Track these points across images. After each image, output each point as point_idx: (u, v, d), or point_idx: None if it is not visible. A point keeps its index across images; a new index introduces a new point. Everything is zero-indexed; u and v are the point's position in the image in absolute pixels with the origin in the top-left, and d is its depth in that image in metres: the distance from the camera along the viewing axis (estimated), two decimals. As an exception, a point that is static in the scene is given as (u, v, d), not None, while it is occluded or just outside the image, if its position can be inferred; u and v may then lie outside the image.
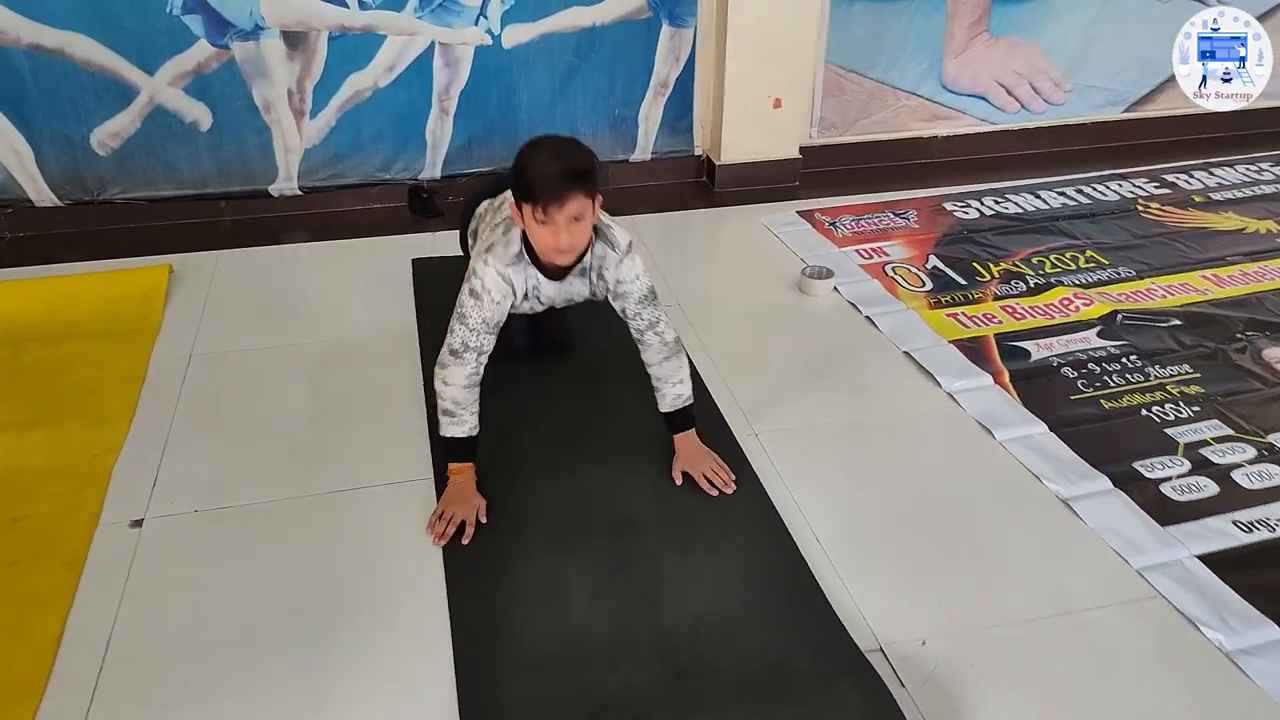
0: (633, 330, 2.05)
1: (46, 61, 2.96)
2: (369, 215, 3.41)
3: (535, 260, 1.93)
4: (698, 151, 3.69)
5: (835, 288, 2.92)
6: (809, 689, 1.61)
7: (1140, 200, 3.57)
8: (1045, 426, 2.30)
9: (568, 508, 2.01)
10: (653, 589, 1.82)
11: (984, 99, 3.88)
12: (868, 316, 2.78)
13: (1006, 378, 2.50)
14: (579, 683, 1.63)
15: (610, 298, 2.03)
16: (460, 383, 1.93)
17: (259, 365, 2.53)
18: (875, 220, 3.39)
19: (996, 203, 3.54)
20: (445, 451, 2.01)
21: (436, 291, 2.82)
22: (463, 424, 1.96)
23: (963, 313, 2.81)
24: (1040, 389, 2.45)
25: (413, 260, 3.04)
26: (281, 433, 2.26)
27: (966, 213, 3.46)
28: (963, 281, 2.98)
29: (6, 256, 3.09)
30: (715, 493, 2.03)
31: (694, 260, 3.21)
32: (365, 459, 2.17)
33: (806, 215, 3.42)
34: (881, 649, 1.71)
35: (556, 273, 1.96)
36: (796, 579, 1.85)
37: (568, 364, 2.50)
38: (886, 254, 3.16)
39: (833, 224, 3.36)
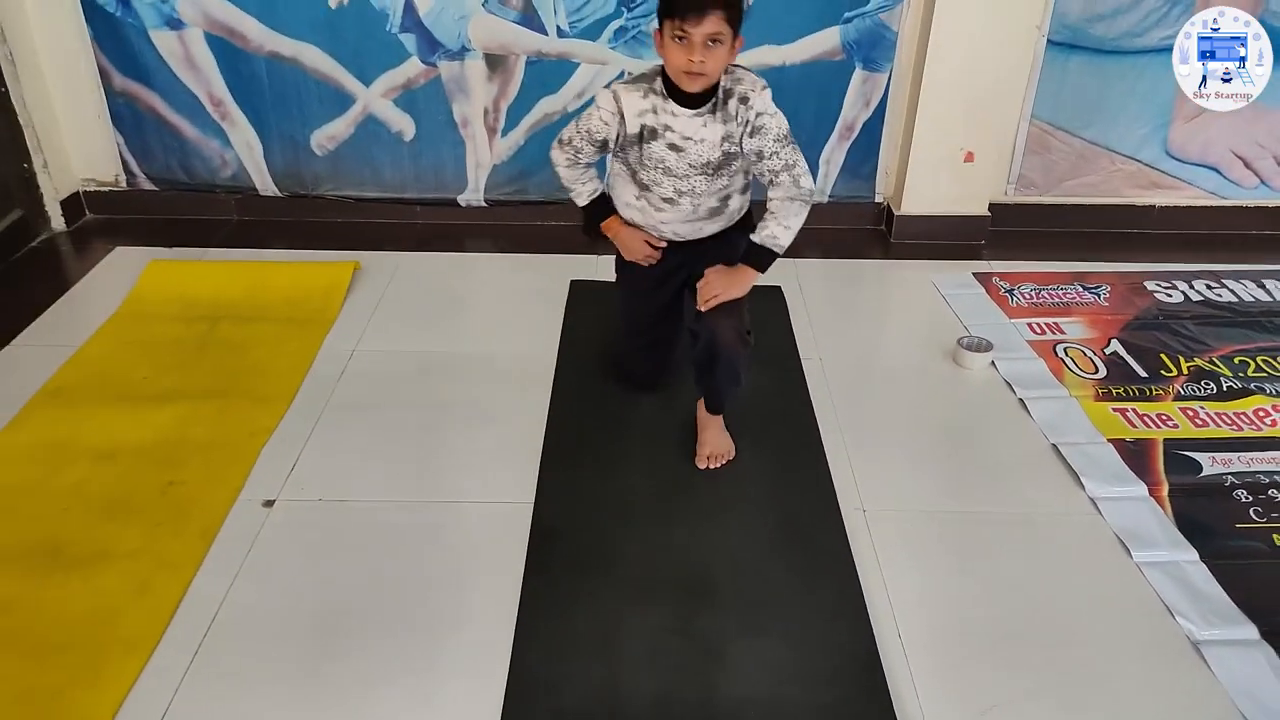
0: (766, 173, 2.02)
1: (281, 68, 3.30)
2: (547, 231, 3.55)
3: (670, 88, 1.97)
4: (878, 199, 3.57)
5: (993, 362, 2.74)
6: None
7: (1391, 303, 3.10)
8: (1196, 554, 2.05)
9: (648, 560, 2.02)
10: (711, 661, 1.79)
11: (1216, 170, 3.49)
12: (1021, 399, 2.59)
13: (1165, 490, 2.25)
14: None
15: (747, 137, 1.99)
16: (562, 164, 2.18)
17: (408, 368, 2.71)
18: (1059, 292, 3.14)
19: (1209, 287, 3.18)
20: (587, 219, 2.26)
21: (588, 318, 2.92)
22: (582, 193, 2.21)
23: (1134, 409, 2.55)
24: (1203, 510, 2.19)
25: (571, 281, 3.15)
26: (409, 437, 2.41)
27: (1170, 295, 3.14)
28: (1144, 374, 2.71)
29: (232, 237, 3.48)
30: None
31: (850, 313, 3.11)
32: (476, 475, 2.28)
33: (983, 278, 3.22)
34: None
35: (692, 102, 1.96)
36: (866, 682, 1.75)
37: (681, 410, 2.48)
38: (1062, 331, 2.92)
39: (1010, 291, 3.15)
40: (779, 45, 3.26)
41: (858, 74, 3.33)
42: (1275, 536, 2.12)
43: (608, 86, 2.03)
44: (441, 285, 3.19)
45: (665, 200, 2.12)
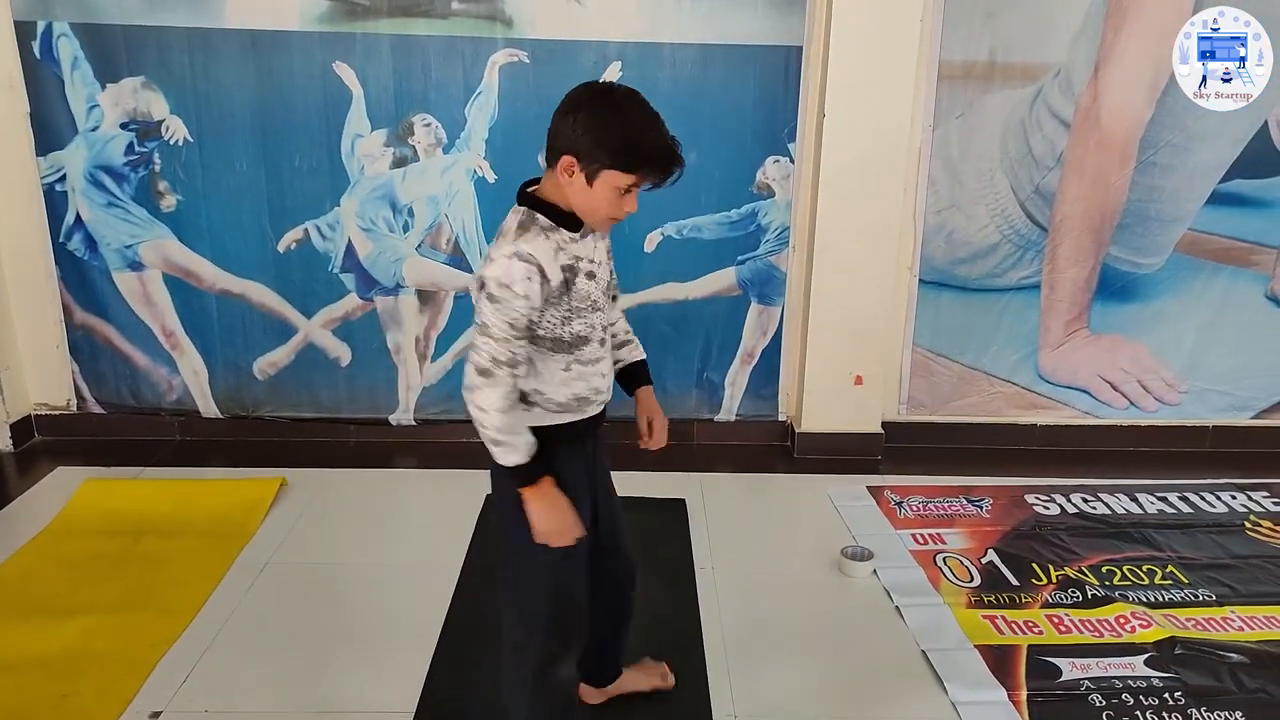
0: (610, 284, 1.94)
1: (230, 303, 3.63)
2: (472, 448, 3.74)
3: (561, 220, 1.73)
4: (782, 417, 3.85)
5: (874, 570, 2.90)
6: None
7: (1251, 516, 3.32)
8: (1048, 759, 2.15)
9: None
10: None
11: (1086, 392, 3.82)
12: (897, 606, 2.73)
13: (1023, 695, 2.36)
14: None
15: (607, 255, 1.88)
16: (498, 406, 1.72)
17: (318, 580, 2.84)
18: (945, 504, 3.36)
19: (1085, 500, 3.41)
20: (513, 478, 1.75)
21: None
22: (517, 449, 1.72)
23: (1003, 616, 2.70)
24: (1058, 715, 2.29)
25: (487, 496, 3.33)
26: (305, 648, 2.50)
27: (1048, 507, 3.35)
28: (1015, 582, 2.88)
29: (173, 456, 3.68)
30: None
31: (749, 525, 3.29)
32: (363, 686, 2.36)
33: (875, 491, 3.44)
34: None
35: (573, 225, 1.75)
36: None
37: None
38: (944, 541, 3.11)
39: (899, 503, 3.36)
40: (683, 283, 3.65)
41: (754, 307, 3.70)
42: (1124, 739, 2.22)
43: (487, 267, 1.71)
44: (364, 500, 3.36)
45: (599, 345, 1.85)
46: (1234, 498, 3.46)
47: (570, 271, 1.74)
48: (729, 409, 3.82)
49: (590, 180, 1.67)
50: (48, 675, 2.34)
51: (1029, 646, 2.56)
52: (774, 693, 2.35)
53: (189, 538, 3.01)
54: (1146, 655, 2.52)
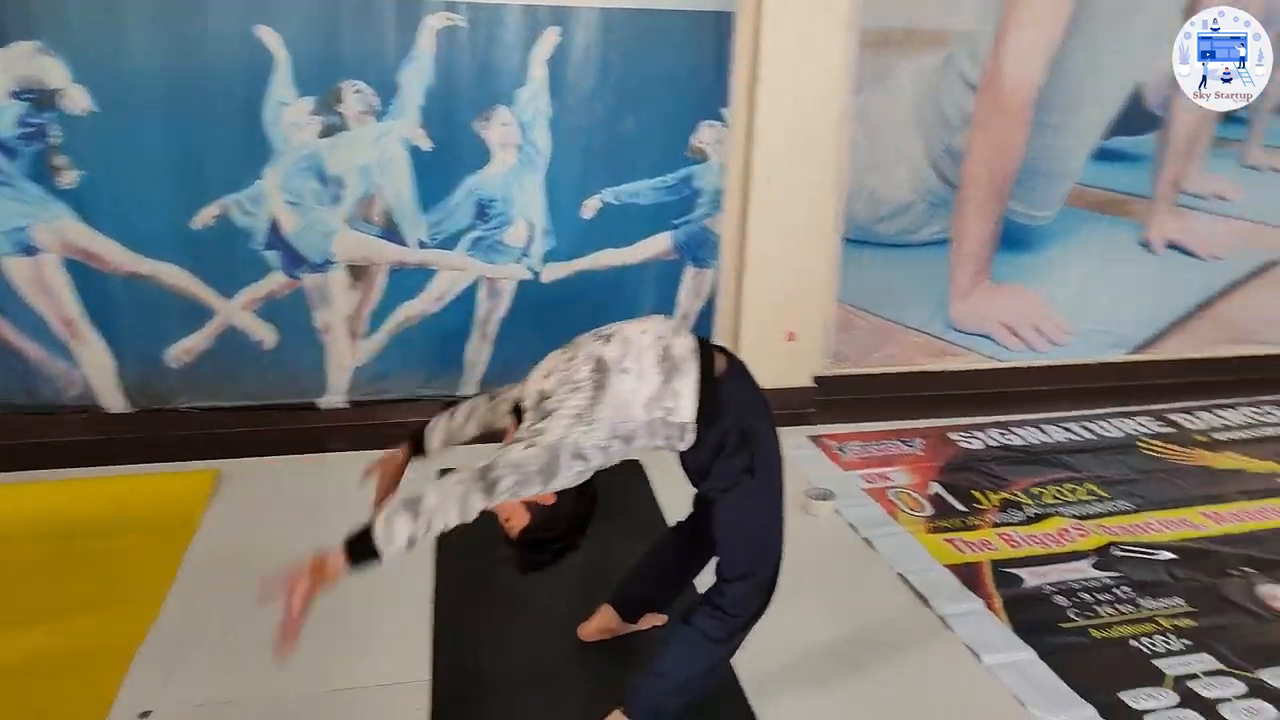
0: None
1: (139, 287, 3.38)
2: (408, 427, 3.66)
3: None
4: (717, 378, 3.96)
5: (836, 509, 3.05)
6: None
7: (1143, 438, 3.69)
8: (1034, 653, 2.34)
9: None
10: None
11: (989, 338, 4.12)
12: (866, 538, 2.89)
13: (999, 603, 2.56)
14: None
15: None
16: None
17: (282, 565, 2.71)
18: (882, 447, 3.55)
19: (1001, 434, 3.69)
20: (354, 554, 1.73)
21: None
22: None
23: (960, 538, 2.90)
24: (1030, 615, 2.50)
25: (438, 472, 3.26)
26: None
27: (971, 443, 3.61)
28: (962, 508, 3.09)
29: (82, 456, 3.39)
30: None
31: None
32: (367, 660, 2.30)
33: (817, 439, 3.60)
34: None
35: None
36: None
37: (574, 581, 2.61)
38: (890, 479, 3.29)
39: (841, 449, 3.53)
40: (619, 249, 3.68)
41: (689, 270, 3.78)
42: (1092, 631, 2.45)
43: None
44: (309, 487, 3.21)
45: None
46: (1125, 423, 3.83)
47: None
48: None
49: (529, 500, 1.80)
50: (18, 684, 2.16)
51: (990, 562, 2.77)
52: (778, 626, 2.44)
53: (128, 536, 2.81)
54: (1091, 559, 2.78)
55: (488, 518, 1.77)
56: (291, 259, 3.48)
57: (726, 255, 3.79)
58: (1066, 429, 3.76)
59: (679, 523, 2.30)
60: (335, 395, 3.66)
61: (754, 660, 2.28)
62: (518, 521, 1.82)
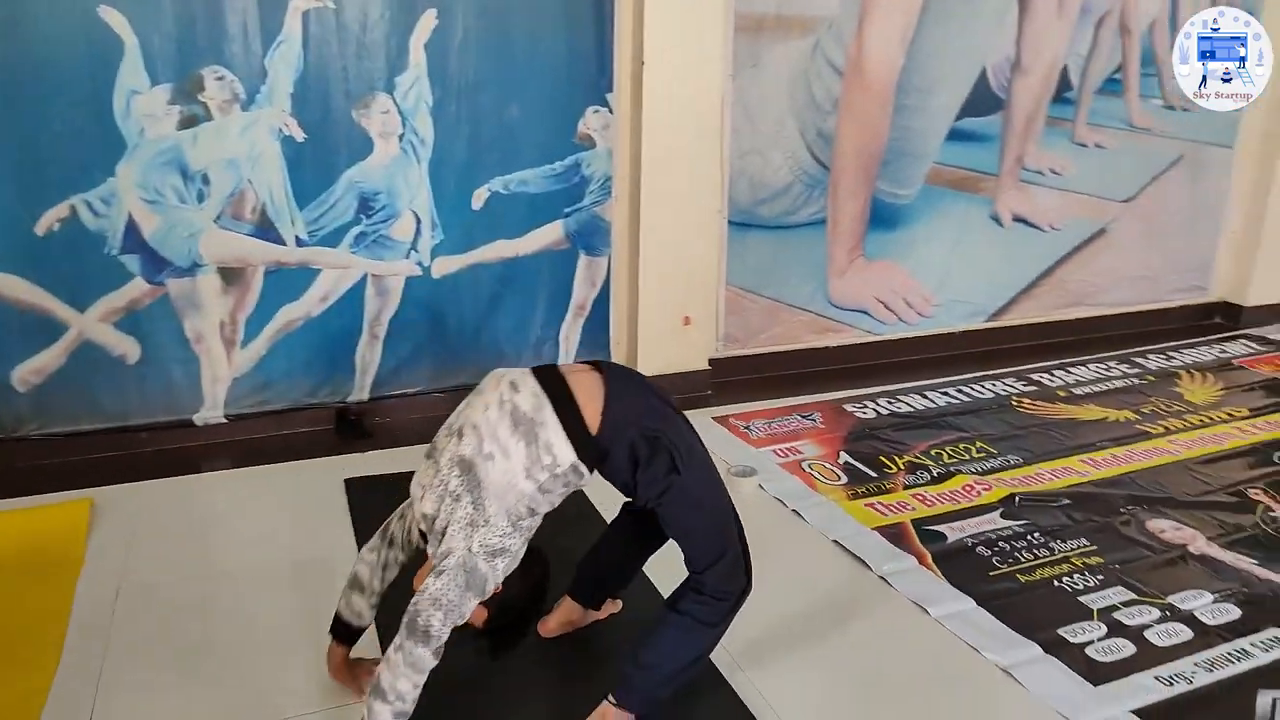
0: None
1: (-26, 301, 2.99)
2: (295, 440, 3.43)
3: None
4: (614, 367, 3.93)
5: (760, 485, 3.09)
6: None
7: (1013, 397, 3.96)
8: (973, 602, 2.46)
9: None
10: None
11: (866, 313, 4.30)
12: (794, 510, 2.94)
13: (930, 559, 2.67)
14: None
15: None
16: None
17: (190, 595, 2.46)
18: (785, 423, 3.64)
19: (889, 403, 3.86)
20: None
21: (375, 511, 2.84)
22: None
23: (879, 502, 3.01)
24: (961, 567, 2.63)
25: (345, 481, 3.07)
26: (218, 664, 2.19)
27: (865, 413, 3.75)
28: (874, 474, 3.21)
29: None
30: None
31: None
32: (306, 685, 2.12)
33: (722, 420, 3.64)
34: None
35: None
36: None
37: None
38: (801, 452, 3.37)
39: (747, 428, 3.58)
40: (512, 239, 3.58)
41: (582, 259, 3.72)
42: (1019, 576, 2.60)
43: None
44: (198, 508, 2.94)
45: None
46: (994, 385, 4.10)
47: None
48: (566, 361, 3.81)
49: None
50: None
51: (911, 521, 2.89)
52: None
53: (3, 576, 2.47)
54: (999, 511, 2.96)
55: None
56: (153, 263, 3.16)
57: (619, 242, 3.76)
58: (945, 394, 3.98)
59: (626, 504, 2.26)
60: (212, 410, 3.36)
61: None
62: (478, 617, 1.83)
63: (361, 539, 2.67)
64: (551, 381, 1.82)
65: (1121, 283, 4.81)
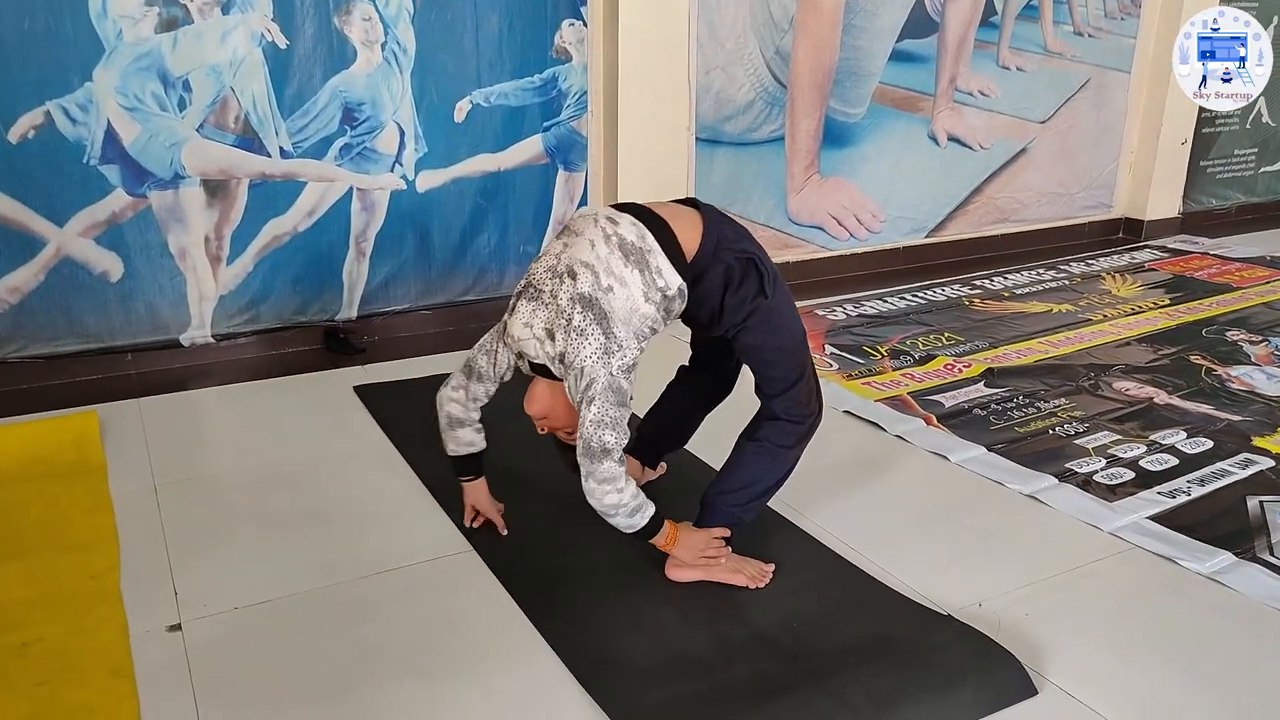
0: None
1: (-57, 214, 2.81)
2: (285, 359, 3.36)
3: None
4: (592, 283, 3.99)
5: (761, 373, 3.23)
6: (920, 649, 1.76)
7: (965, 298, 4.24)
8: (984, 449, 2.68)
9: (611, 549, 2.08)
10: (730, 605, 1.93)
11: (821, 229, 4.51)
12: (800, 390, 3.10)
13: (935, 420, 2.88)
14: (714, 680, 1.69)
15: None
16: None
17: (237, 485, 2.44)
18: (765, 326, 3.79)
19: (855, 307, 4.07)
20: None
21: (397, 412, 2.85)
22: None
23: (874, 381, 3.20)
24: (964, 425, 2.85)
25: (355, 388, 3.05)
26: (296, 532, 2.19)
27: (835, 316, 3.95)
28: (861, 361, 3.40)
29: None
30: None
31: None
32: (382, 542, 2.16)
33: (705, 327, 3.77)
34: (949, 615, 1.91)
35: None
36: (850, 576, 2.04)
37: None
38: (788, 348, 3.54)
39: (731, 331, 3.72)
40: (494, 153, 3.59)
41: (560, 174, 3.77)
42: (1016, 428, 2.83)
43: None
44: (208, 418, 2.89)
45: None
46: (945, 289, 4.36)
47: None
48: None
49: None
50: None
51: (909, 393, 3.10)
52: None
53: (19, 485, 2.37)
54: (982, 382, 3.20)
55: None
56: (134, 174, 3.04)
57: (594, 158, 3.83)
58: (904, 299, 4.21)
59: (682, 367, 2.36)
60: (199, 330, 3.26)
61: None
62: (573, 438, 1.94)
63: (391, 435, 2.70)
64: (643, 213, 1.91)
65: (1041, 199, 5.18)
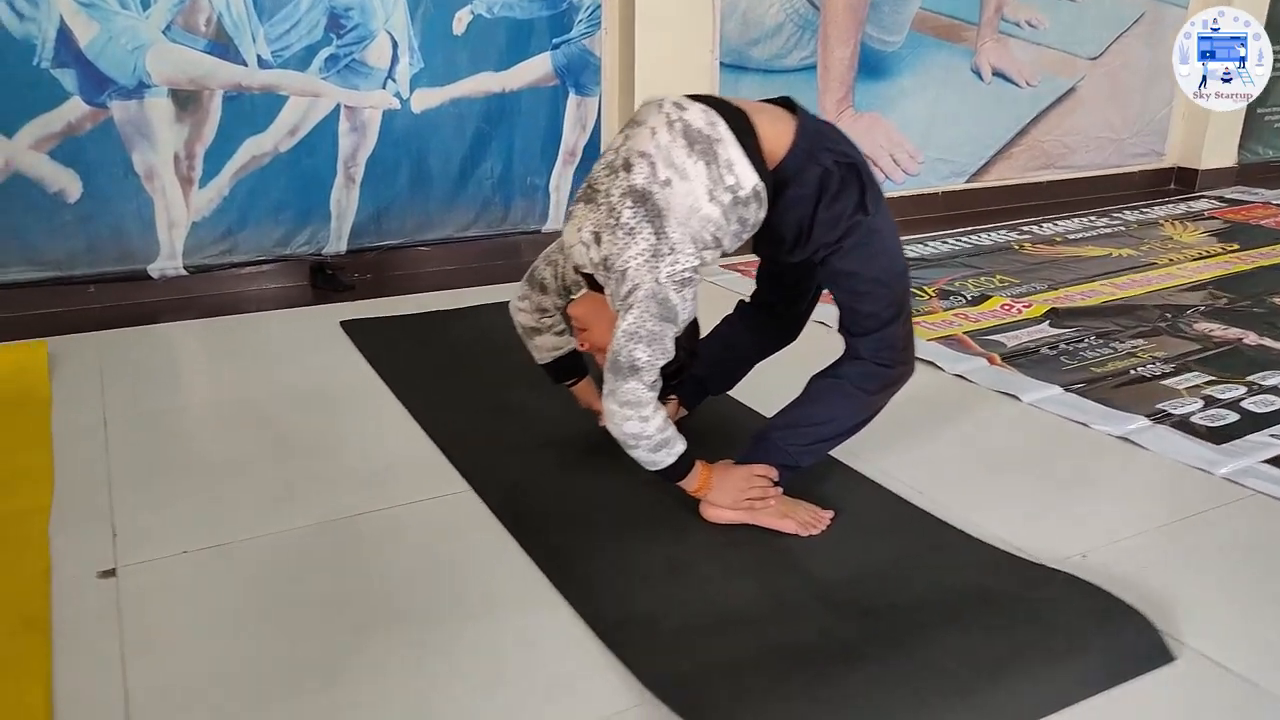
0: None
1: (-126, 119, 2.48)
2: (266, 295, 3.03)
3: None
4: (606, 221, 3.65)
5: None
6: (1026, 607, 1.43)
7: (1015, 243, 3.88)
8: (1060, 389, 2.33)
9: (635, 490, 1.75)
10: (782, 555, 1.59)
11: (854, 169, 4.14)
12: (843, 330, 2.76)
13: (997, 359, 2.53)
14: (765, 642, 1.36)
15: None
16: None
17: (197, 420, 2.13)
18: (796, 267, 3.44)
19: (894, 251, 3.72)
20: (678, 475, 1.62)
21: (385, 348, 2.53)
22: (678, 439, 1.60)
23: (925, 321, 2.85)
24: (1032, 365, 2.50)
25: (341, 323, 2.72)
26: (258, 472, 1.87)
27: (872, 259, 3.60)
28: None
29: None
30: None
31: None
32: (377, 481, 1.82)
33: (731, 268, 3.42)
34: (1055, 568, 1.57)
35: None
36: (924, 524, 1.70)
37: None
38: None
39: (759, 272, 3.37)
40: (497, 72, 3.24)
41: (572, 99, 3.42)
42: (1092, 368, 2.48)
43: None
44: (175, 352, 2.58)
45: None
46: (993, 234, 4.00)
47: None
48: (556, 217, 3.50)
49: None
50: None
51: (965, 333, 2.75)
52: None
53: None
54: (1046, 322, 2.85)
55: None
56: (93, 81, 2.70)
57: (609, 81, 3.47)
58: (948, 242, 3.86)
59: (742, 302, 2.01)
60: (170, 260, 2.93)
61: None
62: None
63: (379, 371, 2.38)
64: (719, 103, 1.57)
65: (1090, 144, 4.80)
